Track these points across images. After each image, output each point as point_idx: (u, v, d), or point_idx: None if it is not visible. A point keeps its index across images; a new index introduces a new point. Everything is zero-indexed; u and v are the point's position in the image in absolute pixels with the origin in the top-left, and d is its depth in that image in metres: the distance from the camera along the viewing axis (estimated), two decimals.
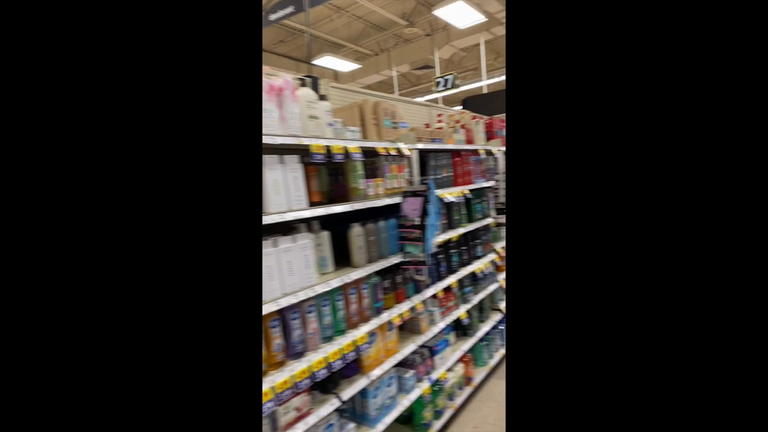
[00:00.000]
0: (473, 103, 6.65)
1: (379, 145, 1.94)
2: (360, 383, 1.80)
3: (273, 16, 3.53)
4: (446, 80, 7.25)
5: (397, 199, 2.03)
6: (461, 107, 6.57)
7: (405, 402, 2.06)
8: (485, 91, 8.72)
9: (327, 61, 8.98)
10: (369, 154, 2.01)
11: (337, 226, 1.97)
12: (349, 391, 1.74)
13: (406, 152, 2.10)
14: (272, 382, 1.40)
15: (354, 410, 1.93)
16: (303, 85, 1.69)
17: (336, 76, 10.92)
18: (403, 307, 2.04)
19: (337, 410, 1.72)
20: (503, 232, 3.27)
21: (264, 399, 1.34)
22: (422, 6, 8.23)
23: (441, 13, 6.64)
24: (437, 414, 2.35)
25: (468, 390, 2.65)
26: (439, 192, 2.29)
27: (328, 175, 2.10)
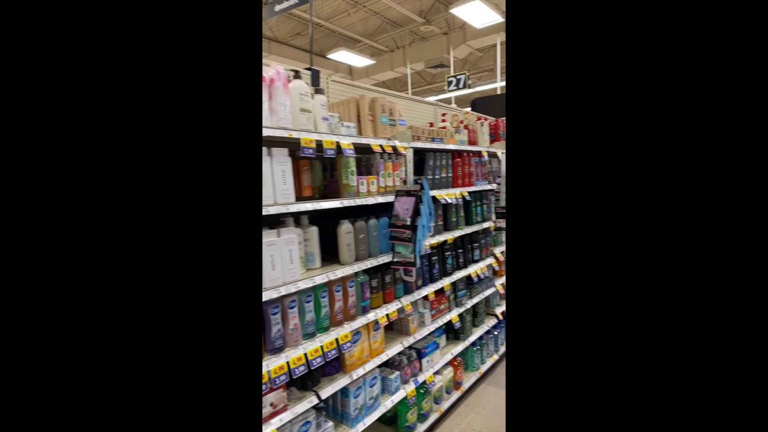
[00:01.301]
0: (483, 104, 6.55)
1: (374, 142, 1.91)
2: (341, 382, 1.78)
3: (278, 7, 3.52)
4: (458, 80, 7.17)
5: (390, 198, 2.00)
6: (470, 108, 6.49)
7: (388, 403, 2.04)
8: (499, 92, 8.60)
9: (342, 56, 8.97)
10: (363, 150, 1.98)
11: (328, 222, 1.95)
12: (329, 390, 1.72)
13: (402, 150, 2.06)
14: None
15: (335, 409, 1.91)
16: (297, 77, 1.67)
17: (350, 71, 10.90)
18: (391, 308, 2.02)
19: (315, 408, 1.70)
20: (504, 236, 3.21)
21: None
22: (440, 3, 8.14)
23: (458, 11, 6.56)
24: (422, 417, 2.32)
25: (456, 394, 2.62)
26: (435, 193, 2.25)
27: (322, 170, 2.08)
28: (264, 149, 1.48)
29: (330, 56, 9.18)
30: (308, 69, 2.15)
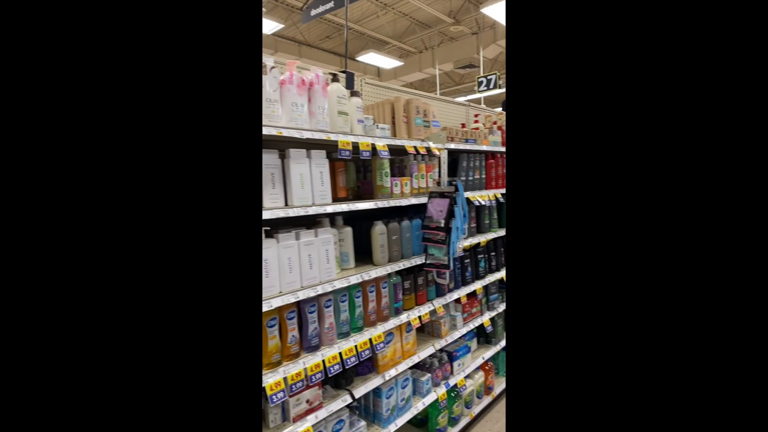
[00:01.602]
0: None
1: (408, 144, 1.91)
2: (374, 382, 1.79)
3: (314, 12, 3.58)
4: (489, 80, 7.06)
5: (423, 199, 1.99)
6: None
7: (419, 405, 2.03)
8: None
9: (370, 58, 9.03)
10: (397, 152, 1.99)
11: (361, 223, 1.97)
12: (362, 389, 1.74)
13: (436, 151, 2.05)
14: (285, 372, 1.42)
15: (366, 408, 1.93)
16: (335, 80, 1.70)
17: (378, 72, 10.95)
18: (423, 310, 2.01)
19: (348, 407, 1.72)
20: None
21: (276, 389, 1.37)
22: (470, 3, 8.05)
23: (489, 11, 6.46)
24: (453, 421, 2.29)
25: (487, 399, 2.58)
26: (468, 194, 2.23)
27: (356, 171, 2.10)
28: (303, 151, 1.52)
29: (359, 58, 9.26)
30: (343, 72, 2.18)
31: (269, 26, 7.18)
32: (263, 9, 6.58)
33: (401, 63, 9.91)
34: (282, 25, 7.56)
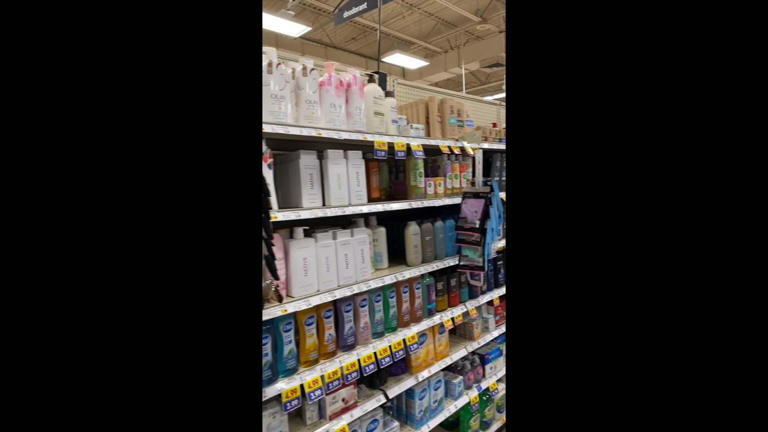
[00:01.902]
0: None
1: (443, 144, 1.89)
2: (407, 383, 1.79)
3: (347, 14, 3.62)
4: None
5: (456, 200, 1.97)
6: None
7: (451, 408, 2.01)
8: None
9: (396, 59, 9.03)
10: (431, 152, 1.98)
11: (393, 223, 1.97)
12: (395, 389, 1.74)
13: (470, 151, 2.03)
14: (322, 371, 1.43)
15: (399, 409, 1.92)
16: (371, 81, 1.71)
17: (403, 73, 10.94)
18: (456, 311, 1.99)
19: (382, 407, 1.72)
20: None
21: (314, 386, 1.38)
22: (497, 1, 7.93)
23: None
24: (484, 425, 2.26)
25: None
26: (503, 194, 2.19)
27: (389, 171, 2.10)
28: (341, 152, 1.53)
29: (384, 59, 9.28)
30: (376, 73, 2.19)
31: (297, 29, 7.30)
32: (291, 12, 6.70)
33: (427, 63, 9.86)
34: (310, 28, 7.67)
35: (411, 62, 9.46)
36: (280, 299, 1.25)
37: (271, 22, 6.83)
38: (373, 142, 1.58)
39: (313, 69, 1.42)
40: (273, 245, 1.16)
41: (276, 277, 1.18)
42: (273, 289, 1.16)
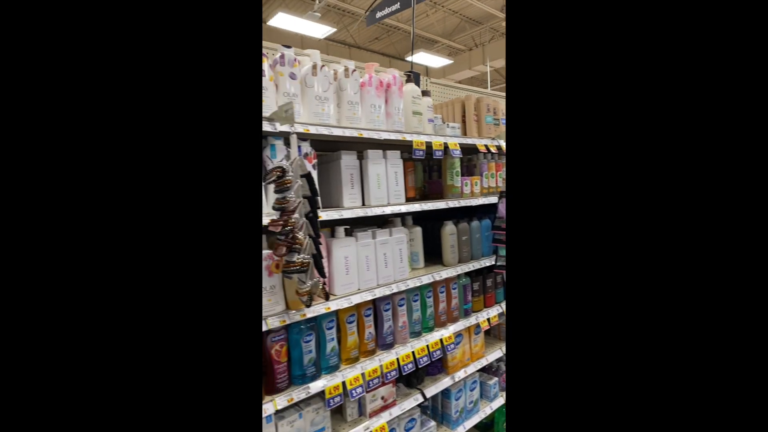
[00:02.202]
0: None
1: (480, 142, 1.88)
2: (444, 382, 1.78)
3: (380, 14, 3.63)
4: None
5: (493, 199, 1.95)
6: None
7: (487, 409, 1.99)
8: None
9: (419, 58, 9.00)
10: (467, 151, 1.96)
11: (427, 223, 1.97)
12: (432, 389, 1.74)
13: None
14: (363, 368, 1.45)
15: (435, 409, 1.92)
16: (409, 80, 1.71)
17: (426, 72, 10.89)
18: (492, 312, 1.97)
19: (419, 406, 1.73)
20: None
21: (355, 384, 1.40)
22: None
23: None
24: None
25: None
26: None
27: (422, 171, 2.10)
28: (380, 152, 1.54)
29: (408, 58, 9.26)
30: (410, 72, 2.19)
31: (322, 30, 7.37)
32: (318, 14, 6.78)
33: (451, 61, 9.78)
34: (335, 29, 7.74)
35: (435, 61, 9.40)
36: (327, 297, 1.27)
37: (297, 24, 6.93)
38: (411, 141, 1.58)
39: (354, 70, 1.44)
40: (320, 244, 1.18)
41: (323, 275, 1.20)
42: (320, 286, 1.18)
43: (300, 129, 1.22)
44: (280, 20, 6.67)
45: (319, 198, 1.20)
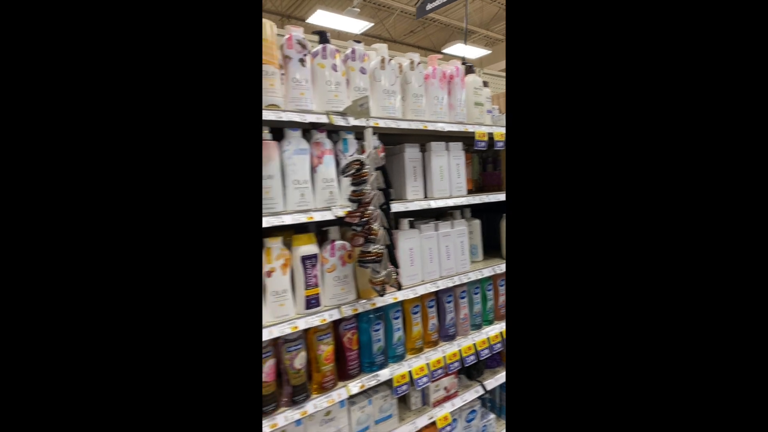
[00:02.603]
0: None
1: None
2: (503, 376, 1.77)
3: (430, 6, 3.61)
4: None
5: None
6: None
7: None
8: None
9: (456, 49, 8.85)
10: None
11: (485, 215, 1.95)
12: (492, 382, 1.73)
13: None
14: (427, 359, 1.47)
15: (493, 402, 1.91)
16: (470, 71, 1.69)
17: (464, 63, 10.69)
18: None
19: (479, 398, 1.73)
20: None
21: (421, 374, 1.42)
22: None
23: None
24: None
25: None
26: None
27: (478, 163, 2.08)
28: (443, 144, 1.54)
29: (445, 50, 9.13)
30: (463, 64, 2.17)
31: (359, 25, 7.41)
32: (357, 9, 6.81)
33: (489, 52, 9.55)
34: (372, 24, 7.76)
35: (472, 52, 9.21)
36: (399, 286, 1.30)
37: (335, 20, 7.00)
38: (473, 132, 1.57)
39: (419, 63, 1.44)
40: (393, 235, 1.20)
41: (396, 265, 1.22)
42: (394, 276, 1.20)
43: (371, 123, 1.24)
44: (319, 17, 6.77)
45: (392, 190, 1.22)
